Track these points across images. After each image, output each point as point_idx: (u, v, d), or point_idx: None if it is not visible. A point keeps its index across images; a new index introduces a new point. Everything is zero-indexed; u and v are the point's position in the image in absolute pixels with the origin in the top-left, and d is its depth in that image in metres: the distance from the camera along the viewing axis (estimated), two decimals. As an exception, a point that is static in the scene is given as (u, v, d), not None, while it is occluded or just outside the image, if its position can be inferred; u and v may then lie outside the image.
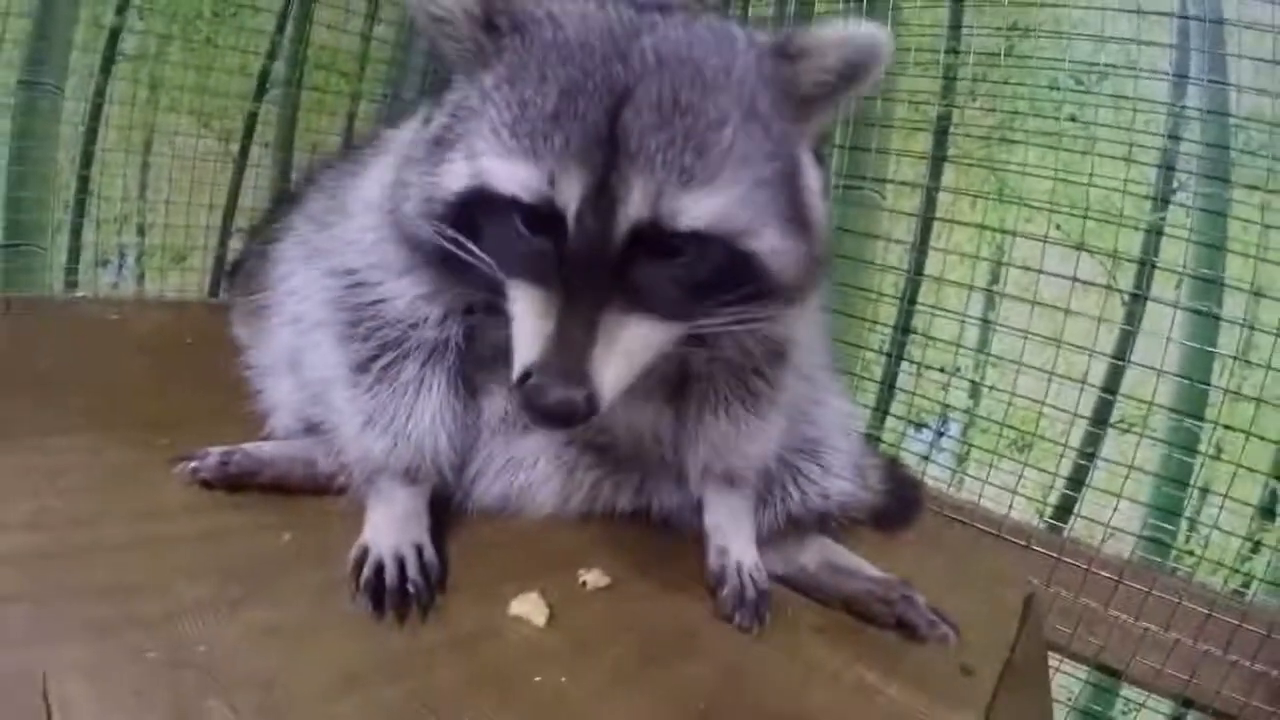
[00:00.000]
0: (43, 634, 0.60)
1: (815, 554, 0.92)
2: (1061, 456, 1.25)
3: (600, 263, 0.55)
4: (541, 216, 0.56)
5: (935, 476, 1.35)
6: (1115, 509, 1.20)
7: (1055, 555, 1.22)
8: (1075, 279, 1.21)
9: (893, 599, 0.85)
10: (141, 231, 1.51)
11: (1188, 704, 1.16)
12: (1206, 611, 1.11)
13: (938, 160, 1.32)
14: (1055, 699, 1.21)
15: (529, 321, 0.57)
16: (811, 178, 0.63)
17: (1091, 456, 1.24)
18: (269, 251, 1.04)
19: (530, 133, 0.55)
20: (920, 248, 1.35)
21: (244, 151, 1.57)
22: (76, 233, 1.45)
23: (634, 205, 0.54)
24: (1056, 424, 1.25)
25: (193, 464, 0.85)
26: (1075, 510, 1.25)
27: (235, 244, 1.58)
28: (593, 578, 0.82)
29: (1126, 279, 1.20)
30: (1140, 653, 1.15)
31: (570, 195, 0.54)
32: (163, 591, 0.67)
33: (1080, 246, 1.21)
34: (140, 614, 0.64)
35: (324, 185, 0.96)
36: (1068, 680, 1.24)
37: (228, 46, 1.51)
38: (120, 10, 1.40)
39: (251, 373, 0.99)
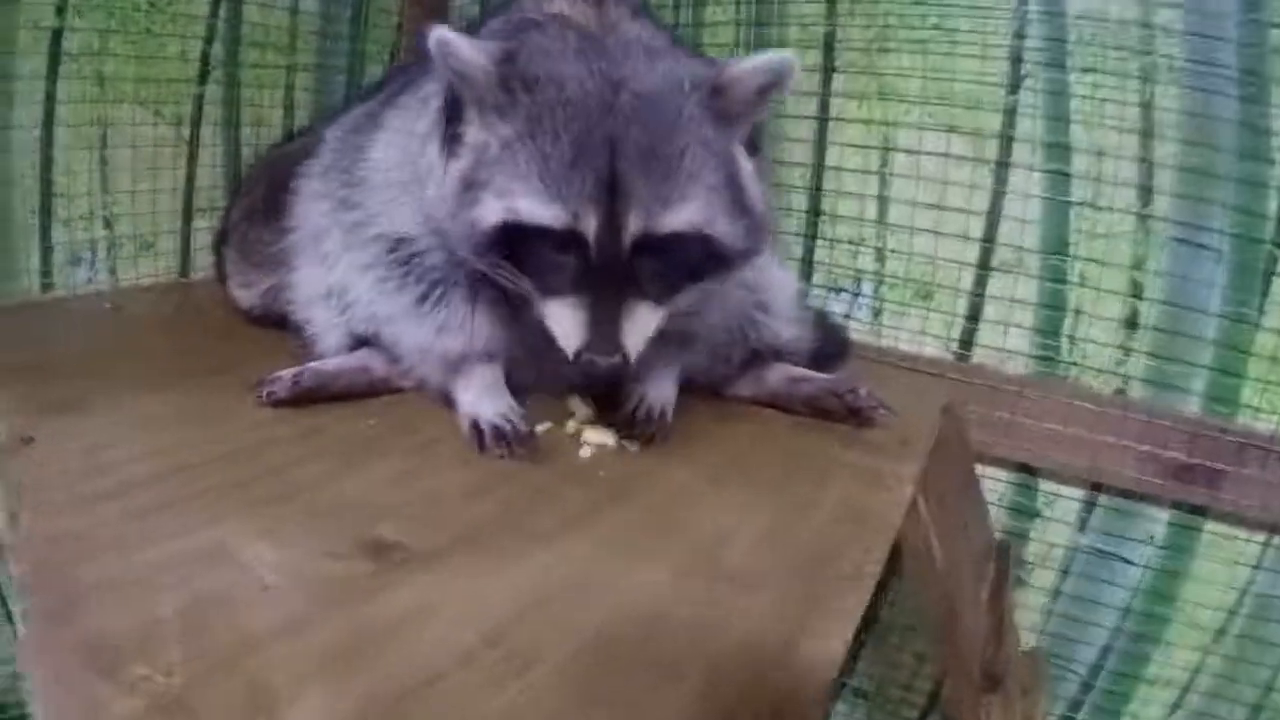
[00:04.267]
0: (215, 519, 0.69)
1: (777, 374, 1.13)
2: (957, 298, 1.45)
3: (616, 268, 0.77)
4: (568, 240, 0.76)
5: (858, 329, 1.55)
6: (1007, 334, 1.41)
7: (967, 381, 1.41)
8: (949, 155, 1.41)
9: (842, 391, 1.07)
10: (109, 224, 1.56)
11: (1096, 487, 1.39)
12: (1095, 408, 1.32)
13: (828, 71, 1.51)
14: (988, 501, 1.42)
15: (569, 315, 0.78)
16: (746, 170, 0.85)
17: (981, 296, 1.43)
18: (278, 205, 1.17)
19: (555, 180, 0.74)
20: (820, 144, 1.54)
21: (195, 135, 1.63)
22: (45, 234, 1.48)
23: (633, 225, 0.76)
24: (950, 273, 1.45)
25: (268, 388, 0.96)
26: (975, 341, 1.45)
27: (200, 223, 1.66)
28: None
29: (991, 152, 1.38)
30: (1047, 450, 1.37)
31: (589, 225, 0.75)
32: (289, 472, 0.79)
33: (951, 129, 1.40)
34: (278, 490, 0.76)
35: (331, 146, 1.10)
36: (994, 484, 1.44)
37: (167, 34, 1.56)
38: (59, 11, 1.43)
39: (294, 308, 1.12)
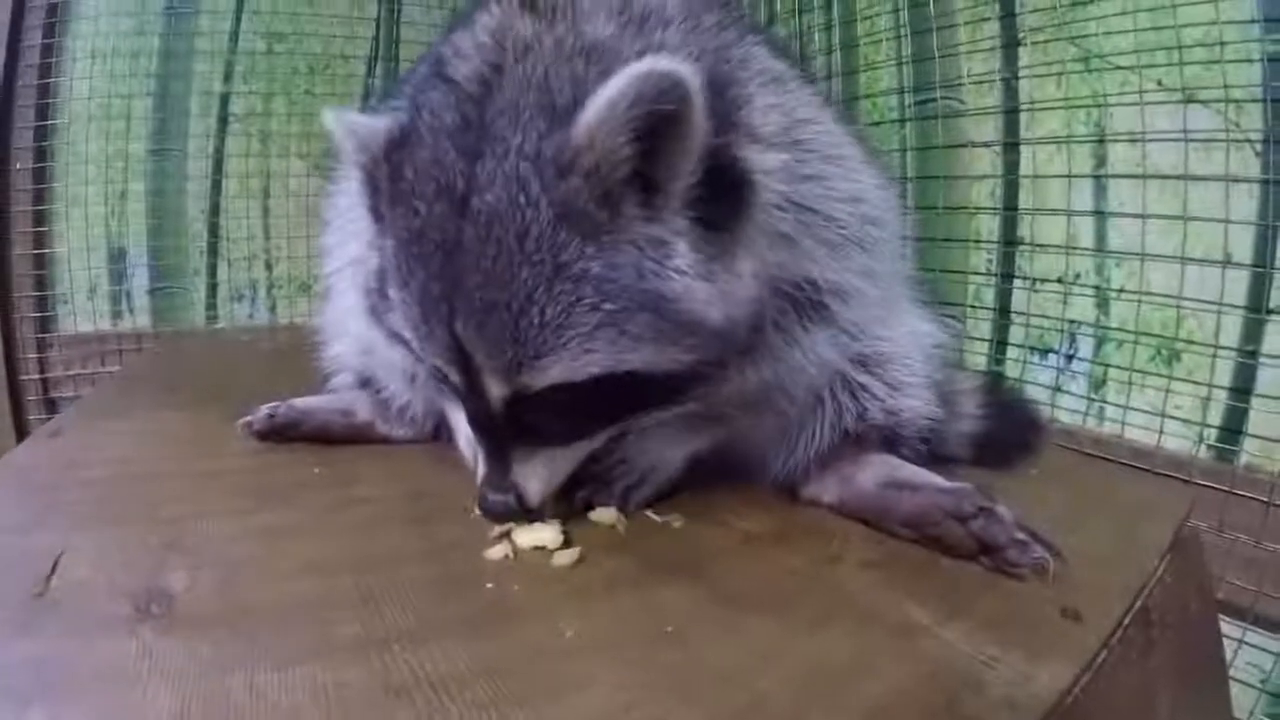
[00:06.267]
0: (76, 527, 0.69)
1: (872, 472, 0.78)
2: (1216, 362, 1.06)
3: (493, 418, 0.66)
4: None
5: (1069, 408, 1.19)
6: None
7: (1225, 489, 1.02)
8: (1188, 136, 1.05)
9: (966, 512, 0.68)
10: (269, 266, 1.71)
11: None
12: None
13: (1009, 45, 1.21)
14: (1239, 679, 1.03)
15: (477, 444, 0.72)
16: (676, 257, 0.60)
17: (1254, 355, 1.03)
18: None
19: (416, 334, 0.65)
20: (1010, 145, 1.24)
21: (353, 186, 1.74)
22: (212, 273, 1.66)
23: (494, 390, 0.64)
24: (1204, 321, 1.07)
25: (247, 418, 0.92)
26: (1243, 428, 1.05)
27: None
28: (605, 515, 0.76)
29: (1253, 121, 1.01)
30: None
31: (456, 380, 0.65)
32: (190, 503, 0.75)
33: (1188, 98, 1.05)
34: (163, 517, 0.72)
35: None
36: (1256, 655, 1.05)
37: (325, 95, 1.69)
38: (227, 77, 1.63)
39: (315, 341, 1.07)
